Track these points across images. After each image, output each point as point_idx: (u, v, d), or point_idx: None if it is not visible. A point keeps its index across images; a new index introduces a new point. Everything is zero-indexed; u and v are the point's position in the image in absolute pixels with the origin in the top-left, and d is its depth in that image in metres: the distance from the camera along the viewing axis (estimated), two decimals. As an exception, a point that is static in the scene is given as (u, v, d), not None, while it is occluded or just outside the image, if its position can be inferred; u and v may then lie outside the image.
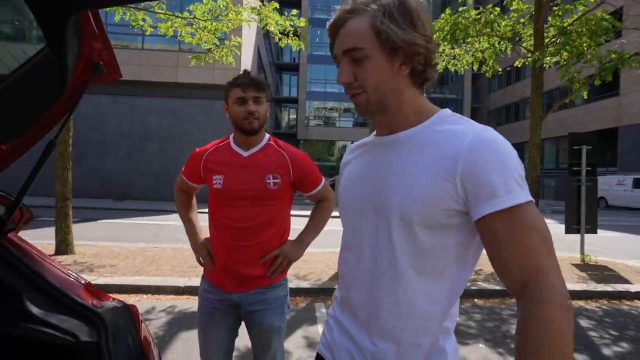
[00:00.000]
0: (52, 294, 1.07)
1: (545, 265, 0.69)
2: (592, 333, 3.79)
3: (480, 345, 3.42)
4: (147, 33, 7.04)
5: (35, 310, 1.01)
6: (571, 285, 5.11)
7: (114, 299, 1.30)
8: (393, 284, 0.80)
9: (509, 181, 0.70)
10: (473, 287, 4.92)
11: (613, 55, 5.85)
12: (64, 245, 5.83)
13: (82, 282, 1.26)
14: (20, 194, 1.11)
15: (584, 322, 4.08)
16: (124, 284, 4.54)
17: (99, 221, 10.28)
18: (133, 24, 6.60)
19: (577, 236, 6.85)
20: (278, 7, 6.71)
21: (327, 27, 0.86)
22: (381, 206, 0.82)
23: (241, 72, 1.70)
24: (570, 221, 6.83)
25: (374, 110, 0.84)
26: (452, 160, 0.74)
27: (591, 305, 4.67)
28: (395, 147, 0.85)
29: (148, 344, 1.16)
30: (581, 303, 4.73)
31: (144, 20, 6.60)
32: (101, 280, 4.61)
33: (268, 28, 6.75)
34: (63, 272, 1.23)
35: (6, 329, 0.98)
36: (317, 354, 1.00)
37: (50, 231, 6.11)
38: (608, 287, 5.08)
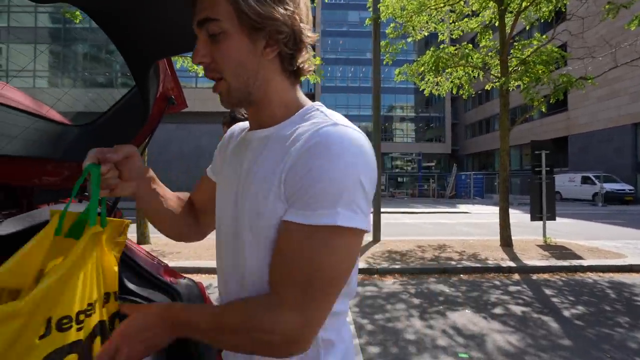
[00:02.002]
0: (142, 273, 1.09)
1: (290, 298, 0.45)
2: (554, 299, 3.65)
3: (467, 311, 3.34)
4: (199, 75, 7.17)
5: (131, 286, 1.03)
6: (537, 262, 4.95)
7: (185, 277, 1.31)
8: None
9: (327, 194, 0.44)
10: (459, 266, 4.80)
11: (564, 79, 5.77)
12: (142, 237, 5.96)
13: (162, 264, 1.28)
14: (116, 199, 1.13)
15: (548, 291, 3.93)
16: (187, 266, 4.61)
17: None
18: (189, 69, 6.74)
19: (540, 223, 6.68)
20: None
21: None
22: (235, 217, 0.55)
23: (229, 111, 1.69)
24: (534, 211, 6.67)
25: (235, 102, 0.54)
26: (282, 164, 0.48)
27: (554, 277, 4.51)
28: (249, 147, 0.57)
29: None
30: (545, 276, 4.57)
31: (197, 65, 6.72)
32: (171, 264, 4.69)
33: (291, 67, 6.80)
34: (148, 257, 1.25)
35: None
36: None
37: (132, 226, 6.23)
38: (565, 263, 4.90)
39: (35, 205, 0.93)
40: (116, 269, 0.64)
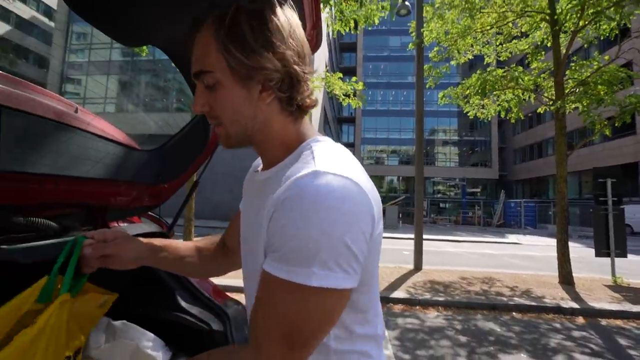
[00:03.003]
0: (193, 292, 1.13)
1: (268, 353, 0.44)
2: (632, 352, 3.17)
3: (522, 355, 3.01)
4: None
5: (182, 303, 1.07)
6: (607, 305, 4.38)
7: (231, 298, 1.34)
8: None
9: (302, 252, 0.41)
10: (511, 302, 4.40)
11: (632, 99, 5.27)
12: (186, 253, 6.25)
13: (211, 284, 1.32)
14: (175, 218, 1.21)
15: (622, 341, 3.44)
16: (228, 285, 4.70)
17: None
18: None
19: (607, 260, 5.96)
20: (342, 76, 6.95)
21: (183, 37, 0.56)
22: (245, 256, 0.58)
23: None
24: (600, 245, 5.98)
25: (235, 145, 0.55)
26: (267, 211, 0.47)
27: (628, 325, 3.95)
28: (255, 188, 0.59)
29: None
30: (618, 322, 4.01)
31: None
32: (214, 281, 4.81)
33: (334, 92, 6.98)
34: (198, 275, 1.30)
35: (164, 315, 1.05)
36: None
37: (178, 243, 6.57)
38: (644, 308, 4.28)
39: (107, 223, 1.02)
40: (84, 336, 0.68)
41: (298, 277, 0.41)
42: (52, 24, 29.84)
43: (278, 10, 0.50)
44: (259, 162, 0.66)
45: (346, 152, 0.53)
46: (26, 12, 31.17)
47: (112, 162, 0.91)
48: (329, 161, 0.46)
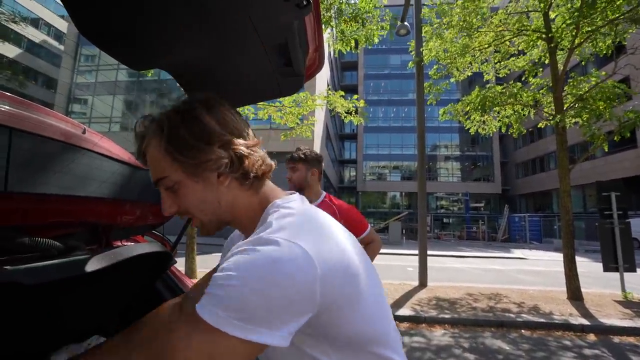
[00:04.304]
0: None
1: None
2: (647, 371, 3.06)
3: (533, 374, 2.91)
4: (250, 118, 7.71)
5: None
6: (618, 322, 4.26)
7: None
8: None
9: (215, 296, 0.43)
10: (519, 319, 4.29)
11: (631, 115, 5.29)
12: (189, 271, 6.18)
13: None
14: (179, 236, 1.20)
15: (638, 359, 3.33)
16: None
17: (212, 254, 10.80)
18: (241, 113, 7.32)
19: (615, 274, 5.84)
20: (344, 94, 7.07)
21: (136, 157, 0.60)
22: None
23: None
24: (608, 260, 5.87)
25: (213, 230, 0.59)
26: None
27: (641, 342, 3.83)
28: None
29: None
30: (631, 340, 3.89)
31: (248, 109, 7.28)
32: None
33: (336, 110, 7.08)
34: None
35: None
36: None
37: (181, 260, 6.52)
38: (656, 325, 4.15)
39: (111, 242, 1.02)
40: None
41: (205, 314, 0.43)
42: (61, 47, 30.78)
43: (205, 105, 0.55)
44: (234, 235, 0.73)
45: (305, 213, 0.55)
46: (37, 35, 32.22)
47: (118, 181, 0.92)
48: (279, 226, 0.49)
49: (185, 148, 0.52)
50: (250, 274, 0.43)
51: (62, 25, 33.31)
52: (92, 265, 0.67)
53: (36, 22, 32.55)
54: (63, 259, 0.70)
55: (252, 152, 0.57)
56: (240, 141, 0.55)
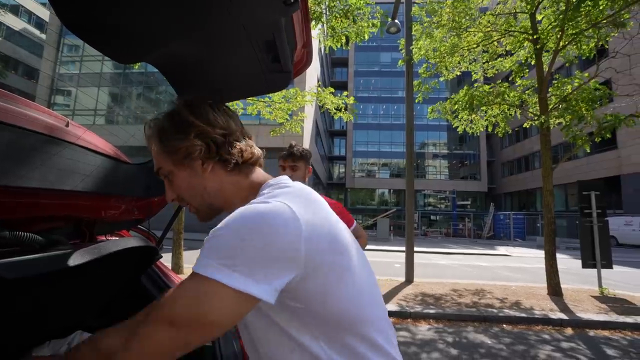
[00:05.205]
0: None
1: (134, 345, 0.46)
2: (620, 362, 3.20)
3: (513, 367, 3.01)
4: (239, 113, 7.64)
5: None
6: (594, 316, 4.43)
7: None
8: None
9: (205, 249, 0.48)
10: (501, 314, 4.42)
11: (610, 117, 5.47)
12: (176, 267, 6.12)
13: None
14: (165, 231, 1.20)
15: (610, 351, 3.47)
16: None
17: (199, 250, 10.70)
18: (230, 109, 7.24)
19: (593, 271, 6.06)
20: (333, 90, 7.07)
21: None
22: None
23: (288, 146, 1.76)
24: (586, 257, 6.07)
25: (208, 217, 0.66)
26: None
27: (615, 335, 3.99)
28: None
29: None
30: (606, 333, 4.05)
31: (237, 104, 7.20)
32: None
33: (326, 106, 7.08)
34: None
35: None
36: None
37: (167, 256, 6.45)
38: (629, 319, 4.33)
39: (95, 237, 1.01)
40: None
41: (199, 268, 0.47)
42: (43, 36, 29.73)
43: (188, 105, 0.62)
44: None
45: (295, 186, 0.60)
46: (17, 23, 31.04)
47: (102, 175, 0.91)
48: (270, 194, 0.56)
49: (168, 139, 0.60)
50: (238, 225, 0.48)
51: (44, 13, 32.17)
52: (74, 260, 0.67)
53: (16, 9, 31.34)
54: (45, 253, 0.69)
55: (230, 140, 0.62)
56: (218, 130, 0.61)
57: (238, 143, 0.63)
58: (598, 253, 5.94)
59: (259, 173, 0.66)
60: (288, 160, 1.70)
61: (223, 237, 0.47)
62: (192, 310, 0.46)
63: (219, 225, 0.49)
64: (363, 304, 0.56)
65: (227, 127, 0.63)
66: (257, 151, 0.67)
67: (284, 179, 0.64)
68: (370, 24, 5.95)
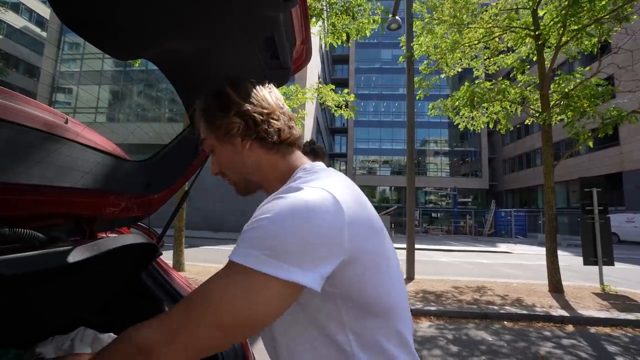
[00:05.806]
0: (178, 298, 1.12)
1: (162, 315, 0.46)
2: (620, 359, 3.20)
3: (513, 364, 3.02)
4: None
5: (167, 309, 1.05)
6: (595, 313, 4.43)
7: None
8: None
9: (246, 239, 0.47)
10: (502, 311, 4.42)
11: (613, 113, 5.44)
12: (177, 265, 6.13)
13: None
14: (165, 228, 1.20)
15: (611, 348, 3.47)
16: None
17: (201, 247, 10.75)
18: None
19: (594, 268, 6.05)
20: (334, 87, 7.04)
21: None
22: None
23: (309, 142, 1.73)
24: (587, 254, 6.07)
25: (245, 191, 0.68)
26: None
27: (617, 332, 3.99)
28: None
29: (247, 347, 1.16)
30: (607, 330, 4.06)
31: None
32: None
33: (327, 103, 7.06)
34: (186, 284, 1.29)
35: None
36: None
37: (168, 253, 6.47)
38: (631, 316, 4.33)
39: (95, 234, 1.01)
40: None
41: (231, 255, 0.46)
42: (44, 33, 29.72)
43: (232, 85, 0.64)
44: None
45: (331, 172, 0.60)
46: (18, 21, 31.01)
47: (102, 172, 0.91)
48: (306, 179, 0.56)
49: (211, 116, 0.63)
50: (281, 214, 0.46)
51: (45, 11, 32.12)
52: (75, 256, 0.67)
53: (17, 7, 31.30)
54: (45, 250, 0.70)
55: (268, 119, 0.64)
56: (257, 109, 0.63)
57: (276, 122, 0.64)
58: (599, 250, 5.94)
59: (296, 155, 0.68)
60: (309, 156, 1.71)
61: (265, 227, 0.45)
62: (239, 308, 0.44)
63: (258, 216, 0.47)
64: (394, 291, 0.57)
65: (267, 106, 0.65)
66: (296, 132, 0.68)
67: (319, 164, 0.65)
68: (371, 21, 5.92)
